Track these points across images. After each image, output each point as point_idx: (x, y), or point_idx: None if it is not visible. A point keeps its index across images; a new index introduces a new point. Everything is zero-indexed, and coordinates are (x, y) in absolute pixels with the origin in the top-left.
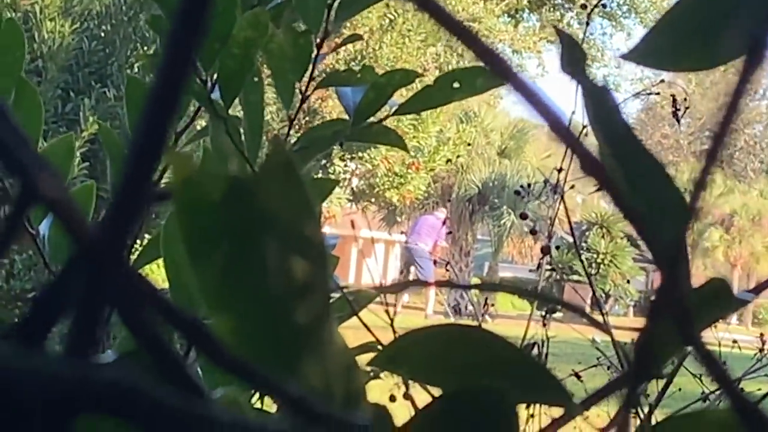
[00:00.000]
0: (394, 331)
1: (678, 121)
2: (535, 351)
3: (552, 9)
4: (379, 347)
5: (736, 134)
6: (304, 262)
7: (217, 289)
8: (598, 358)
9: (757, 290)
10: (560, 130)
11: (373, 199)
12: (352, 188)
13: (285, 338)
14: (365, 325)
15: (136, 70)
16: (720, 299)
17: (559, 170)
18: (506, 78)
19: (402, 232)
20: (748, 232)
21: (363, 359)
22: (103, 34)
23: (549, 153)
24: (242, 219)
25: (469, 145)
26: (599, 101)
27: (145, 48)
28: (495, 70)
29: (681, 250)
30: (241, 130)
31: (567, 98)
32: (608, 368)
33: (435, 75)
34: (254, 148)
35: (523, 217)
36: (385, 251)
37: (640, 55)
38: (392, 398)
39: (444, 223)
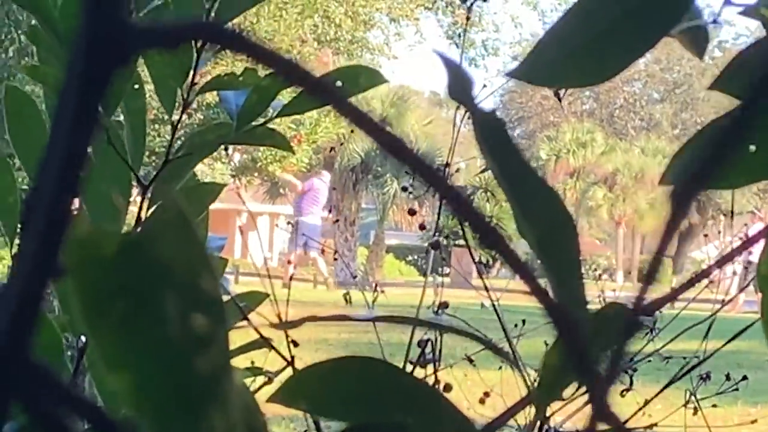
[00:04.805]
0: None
1: None
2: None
3: None
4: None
5: (615, 92)
6: (202, 315)
7: (115, 346)
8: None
9: (657, 306)
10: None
11: (256, 174)
12: (234, 163)
13: (186, 391)
14: (253, 327)
15: (10, 54)
16: (618, 322)
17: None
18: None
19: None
20: (631, 190)
21: (262, 395)
22: None
23: (430, 119)
24: (136, 275)
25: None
26: (490, 130)
27: (18, 32)
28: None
29: (575, 274)
30: (124, 138)
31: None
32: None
33: (314, 46)
34: (138, 156)
35: (405, 189)
36: (270, 224)
37: (527, 72)
38: None
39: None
